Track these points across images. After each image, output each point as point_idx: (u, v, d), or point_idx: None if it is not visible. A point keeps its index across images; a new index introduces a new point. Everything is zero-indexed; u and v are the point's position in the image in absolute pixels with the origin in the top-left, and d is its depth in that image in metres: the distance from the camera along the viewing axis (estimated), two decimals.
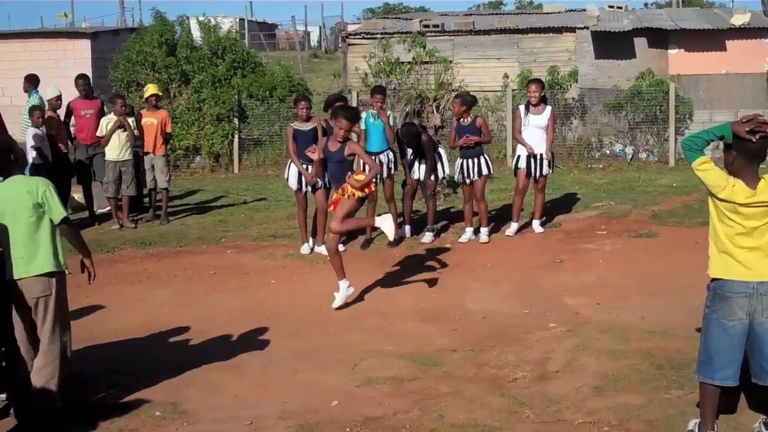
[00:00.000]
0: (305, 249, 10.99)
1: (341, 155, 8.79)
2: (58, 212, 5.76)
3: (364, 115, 11.42)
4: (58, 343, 5.85)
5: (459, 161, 11.34)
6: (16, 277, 5.71)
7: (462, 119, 11.30)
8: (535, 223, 11.78)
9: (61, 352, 5.86)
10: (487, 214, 11.48)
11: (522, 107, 11.64)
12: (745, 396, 5.72)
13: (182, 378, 6.83)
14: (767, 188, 4.94)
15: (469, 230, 11.47)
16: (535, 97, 11.38)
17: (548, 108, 11.59)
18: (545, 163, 11.48)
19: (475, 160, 11.21)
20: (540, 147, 11.40)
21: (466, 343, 7.54)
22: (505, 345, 7.41)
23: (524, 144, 11.40)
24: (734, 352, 5.11)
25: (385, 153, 11.41)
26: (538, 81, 11.80)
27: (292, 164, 10.92)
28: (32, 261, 5.74)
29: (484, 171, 11.26)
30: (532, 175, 11.48)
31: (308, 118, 10.87)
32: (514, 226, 11.64)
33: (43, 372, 5.78)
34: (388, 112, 11.77)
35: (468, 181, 11.28)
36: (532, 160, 11.43)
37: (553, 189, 14.01)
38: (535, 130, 11.40)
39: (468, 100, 11.48)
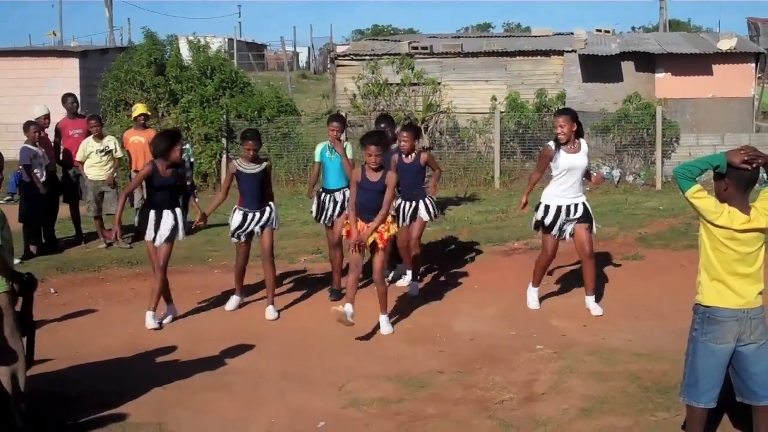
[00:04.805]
0: (233, 302, 9.64)
1: (382, 184, 8.38)
2: None
3: (319, 147, 10.12)
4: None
5: (397, 201, 9.74)
6: None
7: (406, 155, 9.88)
8: (589, 300, 9.12)
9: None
10: (420, 263, 10.36)
11: (552, 143, 8.91)
12: (729, 416, 5.74)
13: (168, 398, 6.79)
14: (759, 215, 5.01)
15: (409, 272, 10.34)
16: (563, 134, 8.78)
17: (583, 143, 9.02)
18: (584, 215, 8.86)
19: (413, 203, 9.98)
20: (576, 196, 8.87)
21: (454, 365, 7.54)
22: (493, 367, 7.41)
23: (524, 195, 9.28)
24: (719, 375, 5.16)
25: (342, 191, 9.84)
26: (565, 113, 9.19)
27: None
28: None
29: (424, 217, 10.06)
30: (565, 234, 8.97)
31: (255, 159, 9.30)
32: (533, 293, 9.40)
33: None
34: (345, 144, 9.96)
35: (405, 224, 9.98)
36: (564, 211, 8.83)
37: None
38: (572, 175, 8.81)
39: (419, 133, 10.27)
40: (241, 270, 9.51)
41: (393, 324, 8.83)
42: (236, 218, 9.30)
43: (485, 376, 7.16)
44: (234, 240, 9.42)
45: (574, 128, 8.82)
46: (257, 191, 9.26)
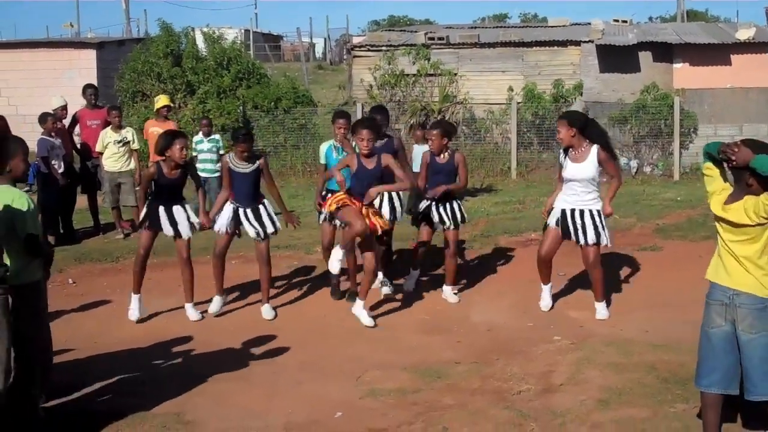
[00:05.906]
0: (217, 305, 9.13)
1: (379, 170, 8.36)
2: (23, 228, 5.58)
3: (324, 147, 9.69)
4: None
5: (425, 203, 9.27)
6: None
7: (439, 155, 9.17)
8: (598, 306, 8.68)
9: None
10: (456, 271, 9.65)
11: (562, 149, 8.44)
12: (741, 409, 5.71)
13: (186, 388, 6.81)
14: (740, 209, 4.98)
15: (415, 273, 9.87)
16: (560, 140, 8.37)
17: (593, 150, 8.20)
18: (591, 225, 8.30)
19: (447, 205, 9.22)
20: (583, 202, 8.36)
21: (471, 356, 7.54)
22: (510, 358, 7.40)
23: (549, 200, 8.70)
24: (717, 359, 5.16)
25: None
26: (565, 117, 8.48)
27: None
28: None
29: (460, 219, 9.33)
30: (574, 239, 8.45)
31: (248, 158, 8.95)
32: (545, 291, 9.00)
33: None
34: (353, 142, 9.06)
35: (442, 228, 9.35)
36: (569, 215, 8.40)
37: None
38: (571, 185, 8.35)
39: (450, 130, 9.44)
40: (219, 266, 9.01)
41: (410, 315, 8.87)
42: (226, 211, 8.87)
43: (502, 367, 7.15)
44: (216, 230, 8.95)
45: (573, 133, 8.16)
46: (249, 189, 8.88)
